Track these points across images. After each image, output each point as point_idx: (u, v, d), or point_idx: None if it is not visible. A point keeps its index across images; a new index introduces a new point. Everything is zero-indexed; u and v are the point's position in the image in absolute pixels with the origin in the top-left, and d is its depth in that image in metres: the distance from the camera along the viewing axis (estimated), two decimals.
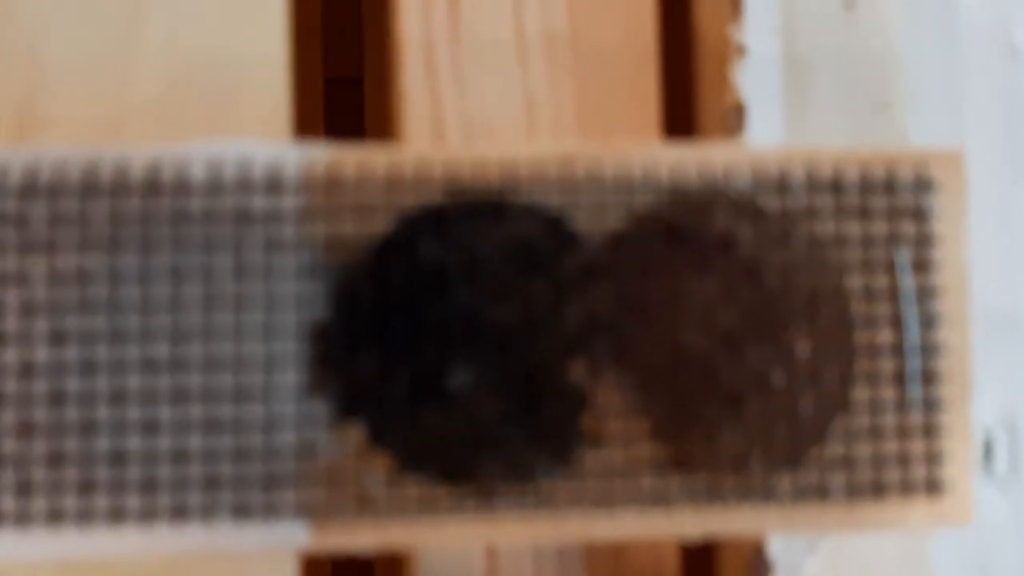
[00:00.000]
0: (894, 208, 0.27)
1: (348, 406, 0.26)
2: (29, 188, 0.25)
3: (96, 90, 0.31)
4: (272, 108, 0.32)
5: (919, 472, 0.27)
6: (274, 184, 0.26)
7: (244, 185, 0.26)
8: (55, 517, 0.25)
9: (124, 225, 0.25)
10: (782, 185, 0.27)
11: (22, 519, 0.25)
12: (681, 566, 0.34)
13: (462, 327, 0.26)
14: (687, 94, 0.37)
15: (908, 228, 0.27)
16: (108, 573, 0.29)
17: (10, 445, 0.25)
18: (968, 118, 0.37)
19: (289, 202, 0.26)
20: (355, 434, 0.26)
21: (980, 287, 0.37)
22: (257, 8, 0.32)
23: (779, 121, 0.34)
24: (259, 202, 0.26)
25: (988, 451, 0.37)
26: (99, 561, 0.27)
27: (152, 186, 0.25)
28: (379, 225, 0.26)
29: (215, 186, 0.26)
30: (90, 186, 0.25)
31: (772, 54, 0.34)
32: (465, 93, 0.33)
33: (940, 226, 0.27)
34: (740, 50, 0.34)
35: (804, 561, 0.32)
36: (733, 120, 0.34)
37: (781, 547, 0.32)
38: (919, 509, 0.27)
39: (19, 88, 0.31)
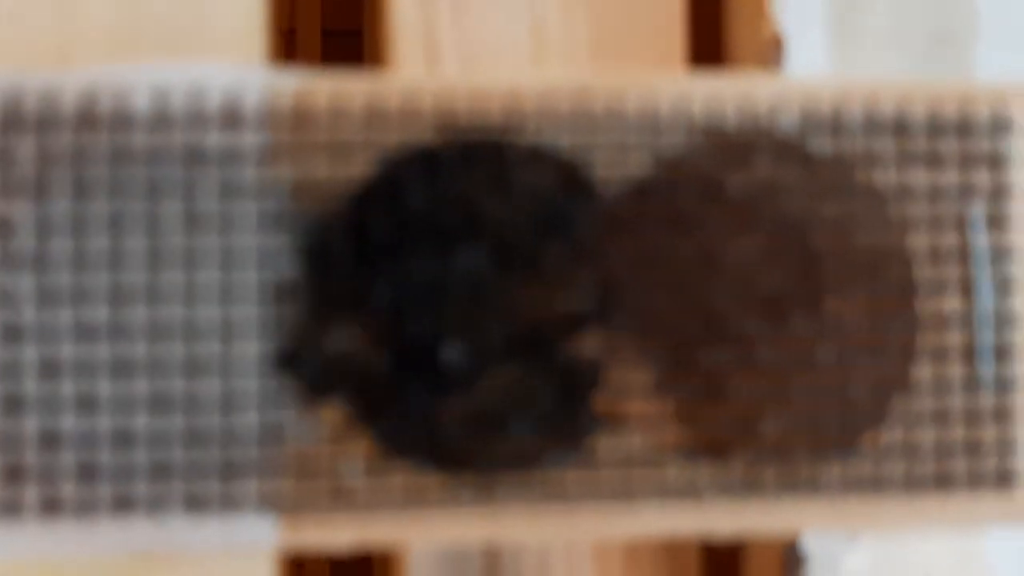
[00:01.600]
0: (967, 154, 0.23)
1: (322, 382, 0.22)
2: None
3: (33, 22, 0.27)
4: (244, 35, 0.28)
5: (989, 462, 0.23)
6: (232, 117, 0.22)
7: (196, 118, 0.22)
8: None
9: (54, 165, 0.21)
10: (836, 125, 0.23)
11: None
12: (703, 558, 0.30)
13: (456, 291, 0.22)
14: (716, 23, 0.33)
15: (983, 178, 0.23)
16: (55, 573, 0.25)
17: None
18: None
19: (250, 139, 0.22)
20: (331, 415, 0.22)
21: None
22: None
23: (822, 56, 0.30)
24: (214, 138, 0.22)
25: None
26: (37, 562, 0.24)
27: (87, 118, 0.21)
28: (358, 168, 0.22)
29: (162, 119, 0.21)
30: (12, 118, 0.21)
31: None
32: (463, 16, 0.29)
33: (1020, 176, 0.23)
34: None
35: (843, 557, 0.29)
36: (770, 53, 0.29)
37: (817, 540, 0.29)
38: (988, 503, 0.23)
39: None
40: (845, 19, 0.30)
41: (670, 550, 0.30)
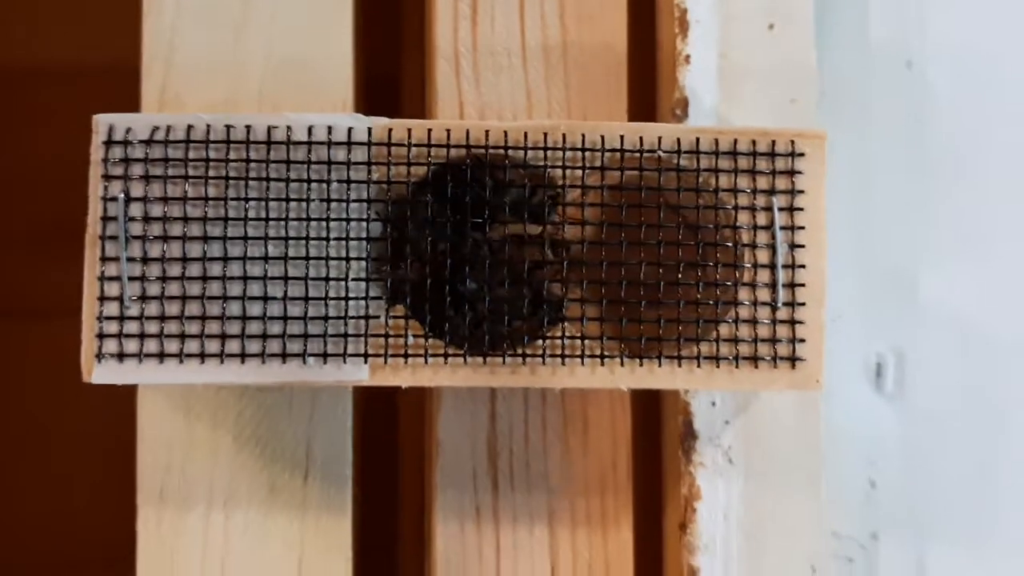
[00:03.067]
0: (774, 169, 0.39)
1: (394, 293, 0.38)
2: (191, 139, 0.38)
3: (214, 83, 0.45)
4: (341, 95, 0.45)
5: (784, 350, 0.39)
6: (350, 142, 0.38)
7: (330, 142, 0.38)
8: (186, 353, 0.37)
9: (251, 167, 0.38)
10: (695, 150, 0.39)
11: (163, 355, 0.37)
12: (633, 436, 0.46)
13: (471, 247, 0.38)
14: (650, 91, 0.49)
15: (783, 183, 0.39)
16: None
17: (158, 308, 0.38)
18: (871, 117, 0.49)
19: (360, 154, 0.38)
20: (400, 310, 0.38)
21: (882, 244, 0.48)
22: (332, 23, 0.45)
23: (714, 113, 0.46)
24: (339, 154, 0.38)
25: (879, 372, 0.49)
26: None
27: (270, 141, 0.38)
28: (420, 171, 0.39)
29: (310, 142, 0.38)
30: (229, 139, 0.38)
31: (711, 62, 0.46)
32: (481, 89, 0.46)
33: (805, 182, 0.39)
34: (687, 59, 0.46)
35: (722, 433, 0.44)
36: (680, 110, 0.46)
37: (705, 421, 0.44)
38: (783, 376, 0.38)
39: (159, 80, 0.44)
40: (729, 89, 0.46)
41: (611, 426, 0.45)
